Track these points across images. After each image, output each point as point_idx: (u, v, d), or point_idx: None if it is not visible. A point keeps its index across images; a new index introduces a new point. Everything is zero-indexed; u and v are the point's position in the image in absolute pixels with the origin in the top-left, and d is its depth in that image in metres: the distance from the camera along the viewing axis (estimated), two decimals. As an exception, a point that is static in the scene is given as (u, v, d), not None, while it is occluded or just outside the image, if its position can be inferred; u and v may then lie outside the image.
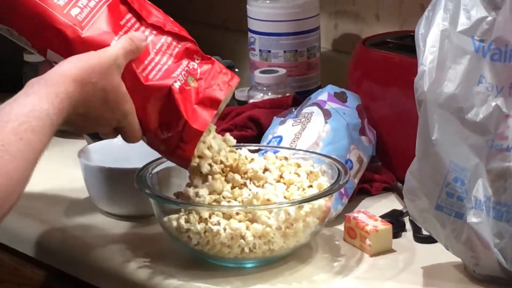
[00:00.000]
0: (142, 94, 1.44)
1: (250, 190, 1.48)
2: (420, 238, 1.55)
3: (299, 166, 1.54)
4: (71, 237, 1.63)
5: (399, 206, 1.65)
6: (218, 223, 1.44)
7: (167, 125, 1.46)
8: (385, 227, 1.53)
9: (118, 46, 1.43)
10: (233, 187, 1.50)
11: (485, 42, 1.39)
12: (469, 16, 1.40)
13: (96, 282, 1.56)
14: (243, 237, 1.44)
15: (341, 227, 1.57)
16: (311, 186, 1.51)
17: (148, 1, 1.53)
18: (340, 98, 1.72)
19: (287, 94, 1.92)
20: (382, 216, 1.58)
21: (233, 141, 1.55)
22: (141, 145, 1.54)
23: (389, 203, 1.68)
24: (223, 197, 1.48)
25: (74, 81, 1.35)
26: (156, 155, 1.56)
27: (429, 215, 1.42)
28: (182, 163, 1.50)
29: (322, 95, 1.72)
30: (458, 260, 1.44)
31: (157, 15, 1.51)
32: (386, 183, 1.73)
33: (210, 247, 1.46)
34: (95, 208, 1.69)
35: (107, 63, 1.40)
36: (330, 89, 1.74)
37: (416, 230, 1.56)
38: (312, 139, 1.64)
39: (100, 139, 1.84)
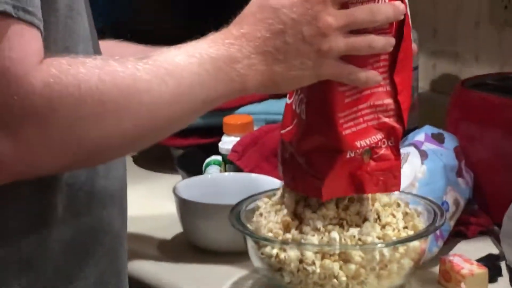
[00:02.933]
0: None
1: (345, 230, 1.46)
2: (517, 283, 1.54)
3: (398, 205, 1.53)
4: (165, 272, 1.64)
5: (495, 250, 1.63)
6: (313, 263, 1.43)
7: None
8: (481, 271, 1.51)
9: None
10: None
11: None
12: None
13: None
14: (336, 277, 1.43)
15: (436, 269, 1.56)
16: (406, 227, 1.49)
17: None
18: (438, 139, 1.71)
19: (383, 134, 1.92)
20: (478, 260, 1.56)
21: None
22: (235, 181, 1.55)
23: (485, 247, 1.66)
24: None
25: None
26: (249, 192, 1.57)
27: (527, 260, 1.41)
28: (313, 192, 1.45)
29: (419, 136, 1.72)
30: (559, 308, 1.43)
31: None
32: (482, 226, 1.71)
33: (303, 286, 1.45)
34: (188, 243, 1.71)
35: None
36: (428, 129, 1.73)
37: (513, 275, 1.55)
38: (408, 179, 1.63)
39: (195, 174, 1.86)
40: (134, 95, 1.16)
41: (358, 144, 1.38)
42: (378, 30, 1.35)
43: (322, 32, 1.27)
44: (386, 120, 1.40)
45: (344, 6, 1.30)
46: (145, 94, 1.16)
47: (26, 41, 1.11)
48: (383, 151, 1.41)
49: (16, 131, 1.10)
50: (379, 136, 1.40)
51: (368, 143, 1.40)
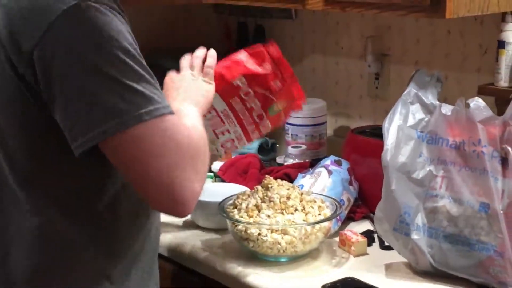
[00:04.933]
0: None
1: (285, 216, 1.47)
2: (384, 247, 1.53)
3: (315, 201, 1.53)
4: (180, 239, 1.61)
5: (371, 228, 1.64)
6: (266, 235, 1.44)
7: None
8: (362, 239, 1.52)
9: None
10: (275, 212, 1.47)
11: (424, 133, 1.39)
12: (414, 117, 1.41)
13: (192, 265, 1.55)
14: (279, 243, 1.44)
15: (336, 239, 1.56)
16: (319, 214, 1.50)
17: None
18: (338, 163, 1.70)
19: (307, 160, 1.91)
20: (361, 233, 1.57)
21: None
22: (221, 187, 1.52)
23: (365, 225, 1.66)
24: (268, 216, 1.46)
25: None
26: (229, 194, 1.55)
27: (389, 233, 1.41)
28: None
29: (327, 161, 1.71)
30: (406, 260, 1.43)
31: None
32: (364, 213, 1.71)
33: (260, 248, 1.45)
34: (193, 224, 1.68)
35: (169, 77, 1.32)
36: (332, 158, 1.72)
37: (381, 242, 1.54)
38: (321, 187, 1.63)
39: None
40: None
41: None
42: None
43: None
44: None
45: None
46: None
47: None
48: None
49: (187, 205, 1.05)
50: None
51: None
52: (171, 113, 1.04)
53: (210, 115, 1.34)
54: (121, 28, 1.01)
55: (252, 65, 1.32)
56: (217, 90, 1.30)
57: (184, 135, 1.04)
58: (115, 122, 0.98)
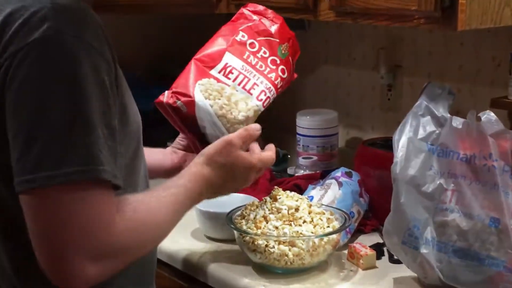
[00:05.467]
0: None
1: (293, 228, 1.45)
2: (393, 260, 1.52)
3: (324, 213, 1.51)
4: (188, 248, 1.61)
5: (381, 240, 1.62)
6: (273, 247, 1.42)
7: None
8: (371, 252, 1.51)
9: (235, 134, 1.23)
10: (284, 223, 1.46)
11: (434, 145, 1.37)
12: (425, 130, 1.39)
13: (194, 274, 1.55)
14: (286, 255, 1.43)
15: (345, 251, 1.55)
16: (328, 226, 1.49)
17: None
18: (348, 175, 1.69)
19: (318, 172, 1.90)
20: (370, 246, 1.56)
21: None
22: (231, 198, 1.54)
23: (375, 238, 1.65)
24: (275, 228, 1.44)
25: (205, 165, 1.19)
26: (239, 203, 1.55)
27: (398, 247, 1.40)
28: None
29: (338, 173, 1.70)
30: (414, 274, 1.42)
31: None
32: (373, 226, 1.70)
33: (267, 260, 1.44)
34: (202, 234, 1.68)
35: (222, 145, 1.21)
36: (343, 169, 1.71)
37: (391, 255, 1.53)
38: (331, 198, 1.62)
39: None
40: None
41: None
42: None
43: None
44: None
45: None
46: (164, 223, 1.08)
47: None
48: None
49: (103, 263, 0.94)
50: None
51: None
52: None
53: (233, 75, 1.33)
54: (93, 65, 0.91)
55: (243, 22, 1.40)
56: (228, 51, 1.34)
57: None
58: (45, 175, 0.88)
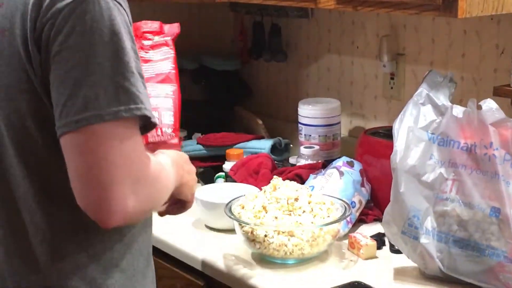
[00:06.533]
0: None
1: (292, 217, 1.45)
2: (394, 250, 1.51)
3: (324, 203, 1.51)
4: (189, 239, 1.61)
5: (382, 230, 1.58)
6: (272, 237, 1.42)
7: None
8: (372, 243, 1.50)
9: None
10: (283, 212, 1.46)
11: (435, 134, 1.36)
12: (425, 118, 1.38)
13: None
14: (286, 245, 1.42)
15: (346, 241, 1.54)
16: (328, 216, 1.48)
17: None
18: (350, 164, 1.69)
19: (319, 161, 1.88)
20: (371, 236, 1.55)
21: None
22: (232, 187, 1.52)
23: (376, 228, 1.64)
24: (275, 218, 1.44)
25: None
26: (236, 194, 1.55)
27: (397, 237, 1.39)
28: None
29: (339, 162, 1.69)
30: (415, 264, 1.41)
31: None
32: (375, 216, 1.69)
33: (267, 250, 1.44)
34: (202, 224, 1.69)
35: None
36: (344, 159, 1.71)
37: (392, 246, 1.52)
38: (332, 188, 1.62)
39: (209, 183, 1.85)
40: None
41: None
42: None
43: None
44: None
45: None
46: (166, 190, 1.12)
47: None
48: None
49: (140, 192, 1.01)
50: None
51: None
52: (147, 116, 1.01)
53: None
54: (124, 21, 1.02)
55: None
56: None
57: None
58: (94, 113, 0.97)
